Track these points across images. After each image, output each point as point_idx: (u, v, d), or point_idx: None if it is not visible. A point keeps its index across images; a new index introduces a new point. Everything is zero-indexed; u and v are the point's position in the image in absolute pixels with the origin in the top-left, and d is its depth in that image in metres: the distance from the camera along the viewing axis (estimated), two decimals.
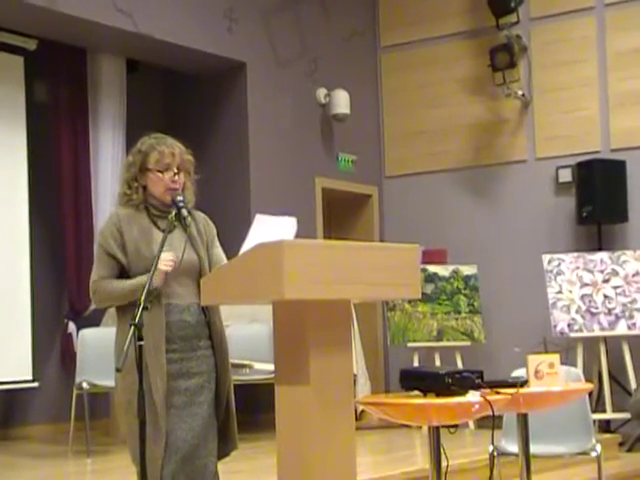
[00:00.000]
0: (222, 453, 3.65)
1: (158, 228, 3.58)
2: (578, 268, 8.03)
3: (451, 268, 8.58)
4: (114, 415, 7.52)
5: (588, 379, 5.72)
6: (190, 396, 3.52)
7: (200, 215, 3.73)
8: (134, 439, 3.34)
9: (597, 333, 7.89)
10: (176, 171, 3.60)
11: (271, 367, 3.28)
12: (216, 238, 3.74)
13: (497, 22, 8.58)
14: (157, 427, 3.41)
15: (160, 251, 3.41)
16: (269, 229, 3.64)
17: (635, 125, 8.38)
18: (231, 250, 3.72)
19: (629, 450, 7.39)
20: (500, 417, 4.70)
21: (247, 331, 7.48)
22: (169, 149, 3.60)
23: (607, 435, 7.40)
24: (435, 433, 3.77)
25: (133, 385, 3.34)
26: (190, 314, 3.55)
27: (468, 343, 8.41)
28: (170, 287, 3.51)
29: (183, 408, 3.50)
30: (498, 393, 3.66)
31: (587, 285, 7.99)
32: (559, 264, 8.04)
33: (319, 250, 3.12)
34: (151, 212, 3.62)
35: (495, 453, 4.69)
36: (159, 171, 3.58)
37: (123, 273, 3.55)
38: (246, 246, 3.45)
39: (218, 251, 3.71)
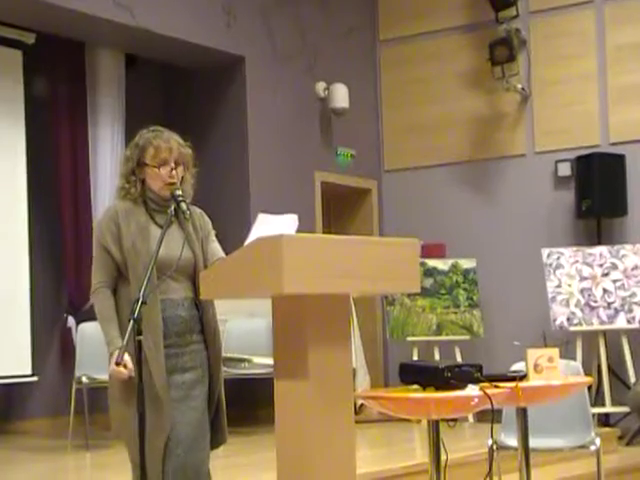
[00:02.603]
0: (211, 446, 3.64)
1: (156, 223, 3.57)
2: (577, 262, 8.03)
3: (450, 262, 8.58)
4: None
5: (587, 373, 5.72)
6: (186, 390, 3.52)
7: (196, 210, 3.72)
8: (133, 433, 3.34)
9: (596, 327, 7.89)
10: (173, 165, 3.58)
11: (270, 361, 3.28)
12: (212, 232, 3.72)
13: (496, 16, 8.57)
14: (160, 422, 3.41)
15: (158, 248, 3.39)
16: (270, 227, 3.64)
17: (634, 119, 8.38)
18: (230, 245, 3.71)
19: (628, 444, 7.39)
20: (499, 411, 4.70)
21: (246, 325, 7.49)
22: (166, 144, 3.58)
23: (606, 429, 7.40)
24: (434, 427, 3.77)
25: (132, 379, 3.34)
26: (184, 309, 3.54)
27: (467, 337, 8.41)
28: (165, 283, 3.51)
29: (181, 401, 3.50)
30: (497, 387, 3.66)
31: (586, 279, 7.99)
32: (558, 258, 8.04)
33: (318, 244, 3.12)
34: (149, 206, 3.60)
35: (494, 447, 4.69)
36: (156, 166, 3.57)
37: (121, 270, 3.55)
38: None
39: (214, 245, 3.70)
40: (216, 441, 3.64)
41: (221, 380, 3.66)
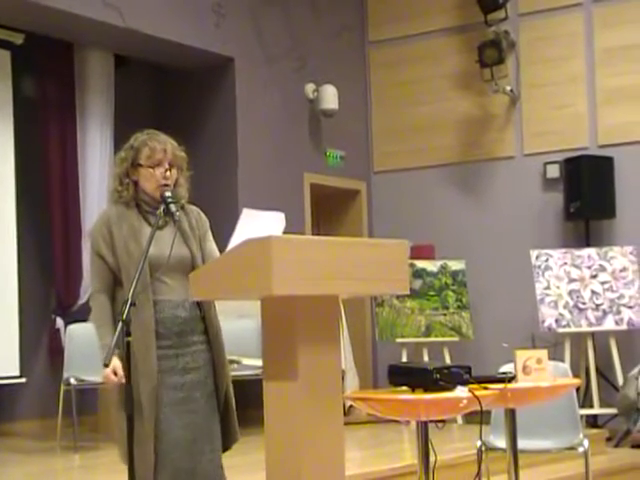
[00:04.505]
0: (224, 447, 3.64)
1: (149, 224, 3.56)
2: (566, 264, 8.05)
3: (439, 263, 8.59)
4: (102, 411, 7.51)
5: (576, 374, 5.75)
6: (187, 391, 3.50)
7: (193, 209, 3.72)
8: (124, 437, 3.33)
9: (585, 329, 7.91)
10: (168, 167, 3.58)
11: (259, 363, 3.28)
12: (209, 232, 3.72)
13: (485, 18, 8.59)
14: (143, 429, 3.39)
15: (148, 247, 3.39)
16: (257, 224, 3.64)
17: (623, 121, 8.40)
18: (219, 245, 3.71)
19: (617, 446, 7.41)
20: (488, 412, 4.70)
21: (235, 327, 7.46)
22: (161, 145, 3.59)
23: (594, 430, 7.42)
24: (423, 428, 3.78)
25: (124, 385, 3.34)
26: (184, 309, 3.53)
27: (456, 339, 8.42)
28: (162, 283, 3.50)
29: (179, 404, 3.48)
30: (486, 388, 3.67)
31: (575, 281, 8.01)
32: (547, 260, 8.06)
33: (307, 246, 3.12)
34: (142, 208, 3.60)
35: (483, 448, 4.70)
36: (150, 167, 3.57)
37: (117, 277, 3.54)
38: (234, 241, 3.45)
39: (211, 245, 3.69)
40: (227, 443, 3.64)
41: (228, 380, 3.66)
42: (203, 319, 3.59)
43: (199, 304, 3.57)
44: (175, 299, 3.52)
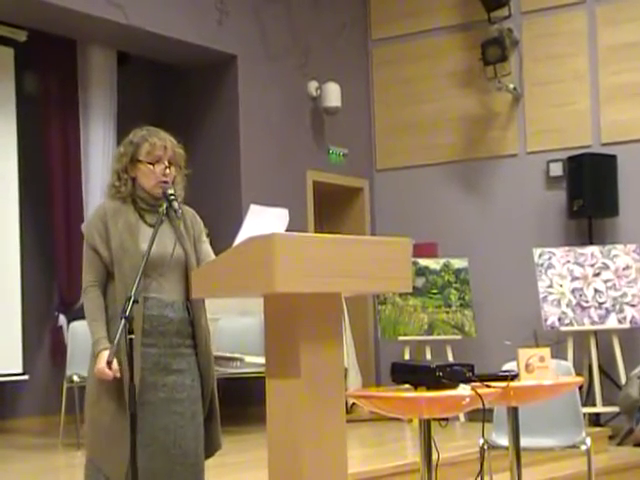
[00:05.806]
0: (205, 455, 3.59)
1: (145, 222, 3.54)
2: (569, 262, 8.04)
3: (442, 261, 8.58)
4: None
5: (578, 373, 5.73)
6: (169, 392, 3.46)
7: (188, 210, 3.70)
8: (96, 433, 3.46)
9: (587, 327, 7.91)
10: (167, 164, 3.57)
11: (262, 360, 3.27)
12: (203, 233, 3.69)
13: (488, 16, 8.59)
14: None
15: (150, 246, 3.37)
16: (262, 221, 3.62)
17: (626, 119, 8.40)
18: (222, 243, 3.70)
19: (620, 444, 7.40)
20: (491, 410, 4.70)
21: (238, 324, 7.48)
22: (161, 142, 3.56)
23: (597, 428, 7.41)
24: (426, 426, 3.77)
25: (105, 382, 3.38)
26: (173, 310, 3.50)
27: (459, 337, 8.42)
28: (156, 281, 3.48)
29: (159, 405, 3.44)
30: (489, 386, 3.66)
31: (578, 279, 8.00)
32: (550, 258, 8.05)
33: (310, 243, 3.11)
34: (139, 205, 3.57)
35: (485, 446, 4.70)
36: (150, 163, 3.55)
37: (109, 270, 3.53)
38: (240, 237, 3.44)
39: (206, 246, 3.67)
40: (208, 449, 3.59)
41: (213, 386, 3.61)
42: (192, 323, 3.55)
43: (189, 307, 3.54)
44: (165, 298, 3.49)
